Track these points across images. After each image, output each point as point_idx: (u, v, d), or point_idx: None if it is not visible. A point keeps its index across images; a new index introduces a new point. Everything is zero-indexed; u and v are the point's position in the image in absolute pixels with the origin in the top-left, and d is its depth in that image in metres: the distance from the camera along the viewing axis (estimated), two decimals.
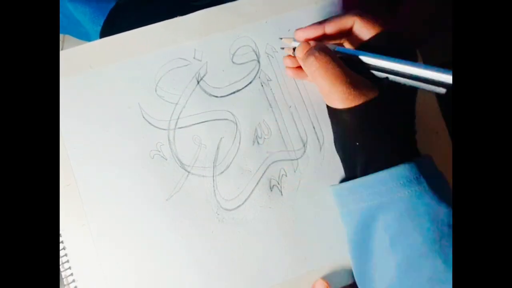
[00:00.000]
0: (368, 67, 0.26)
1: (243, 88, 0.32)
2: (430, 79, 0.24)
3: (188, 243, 0.30)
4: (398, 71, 0.25)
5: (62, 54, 0.31)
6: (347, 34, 0.28)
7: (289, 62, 0.30)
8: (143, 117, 0.31)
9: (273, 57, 0.33)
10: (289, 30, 0.33)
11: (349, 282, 0.30)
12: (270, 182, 0.31)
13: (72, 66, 0.31)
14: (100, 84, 0.31)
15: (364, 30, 0.27)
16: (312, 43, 0.27)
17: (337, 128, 0.28)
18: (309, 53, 0.26)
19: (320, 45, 0.27)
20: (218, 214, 0.30)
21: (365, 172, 0.26)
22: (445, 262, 0.23)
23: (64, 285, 0.29)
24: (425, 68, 0.24)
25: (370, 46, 0.26)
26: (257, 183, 0.31)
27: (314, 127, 0.32)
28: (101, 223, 0.29)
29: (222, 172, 0.31)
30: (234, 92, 0.32)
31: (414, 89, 0.26)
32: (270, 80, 0.32)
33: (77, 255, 0.29)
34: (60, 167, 0.30)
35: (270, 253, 0.30)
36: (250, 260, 0.30)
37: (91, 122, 0.31)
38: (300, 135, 0.32)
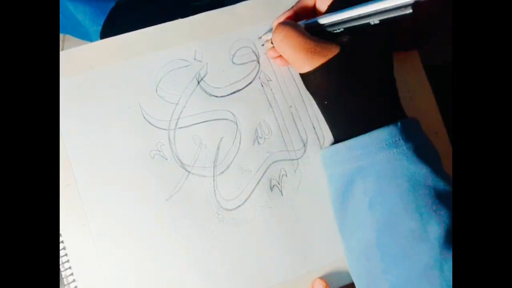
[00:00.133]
0: (328, 28, 0.27)
1: (243, 88, 0.32)
2: (388, 7, 0.23)
3: (188, 243, 0.30)
4: (354, 16, 0.25)
5: (62, 54, 0.31)
6: (313, 11, 0.30)
7: (273, 53, 0.32)
8: (144, 117, 0.31)
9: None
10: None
11: (349, 282, 0.30)
12: (270, 182, 0.31)
13: (72, 66, 0.31)
14: (100, 84, 0.31)
15: (324, 2, 0.29)
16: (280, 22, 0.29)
17: (313, 94, 0.29)
18: (275, 29, 0.28)
19: (284, 21, 0.29)
20: (218, 214, 0.30)
21: (346, 132, 0.27)
22: (421, 221, 0.23)
23: (64, 285, 0.29)
24: None
25: (331, 11, 0.28)
26: (258, 183, 0.31)
27: (314, 127, 0.32)
28: (101, 223, 0.29)
29: (222, 172, 0.31)
30: (234, 92, 0.32)
31: (381, 35, 0.26)
32: (270, 80, 0.32)
33: (77, 255, 0.29)
34: (60, 167, 0.30)
35: (270, 253, 0.30)
36: (250, 260, 0.30)
37: (91, 122, 0.31)
38: (300, 135, 0.32)
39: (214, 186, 0.30)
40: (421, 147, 0.25)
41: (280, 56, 0.31)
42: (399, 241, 0.24)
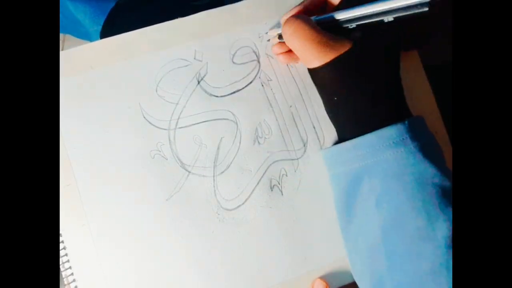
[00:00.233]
0: (343, 24, 0.27)
1: (243, 88, 0.32)
2: (405, 4, 0.23)
3: (188, 243, 0.30)
4: (370, 13, 0.25)
5: (63, 54, 0.31)
6: (324, 5, 0.30)
7: (278, 49, 0.31)
8: (144, 117, 0.31)
9: (273, 58, 0.33)
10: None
11: (349, 282, 0.30)
12: (270, 182, 0.31)
13: (72, 66, 0.31)
14: (100, 84, 0.31)
15: None
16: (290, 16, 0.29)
17: (321, 90, 0.29)
18: (285, 22, 0.28)
19: (295, 15, 0.28)
20: (219, 214, 0.30)
21: (352, 130, 0.27)
22: (428, 220, 0.23)
23: (64, 285, 0.29)
24: None
25: (343, 7, 0.27)
26: (258, 183, 0.31)
27: (314, 127, 0.32)
28: (101, 223, 0.29)
29: (222, 172, 0.31)
30: (234, 92, 0.32)
31: (392, 33, 0.26)
32: (271, 80, 0.32)
33: (77, 255, 0.29)
34: (60, 167, 0.30)
35: (270, 253, 0.30)
36: (250, 260, 0.30)
37: (91, 122, 0.31)
38: (300, 135, 0.32)
39: (214, 186, 0.30)
40: (427, 145, 0.25)
41: (285, 52, 0.31)
42: (405, 240, 0.24)
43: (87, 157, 0.30)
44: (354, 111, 0.27)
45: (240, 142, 0.31)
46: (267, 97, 0.32)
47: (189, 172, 0.30)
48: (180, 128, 0.31)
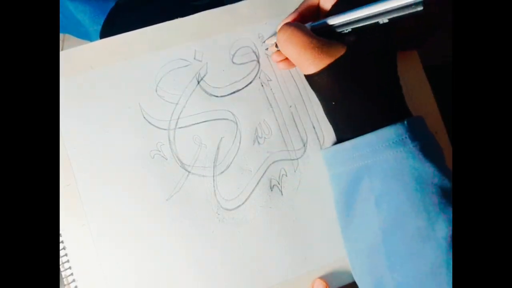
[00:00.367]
0: (338, 29, 0.27)
1: (243, 88, 0.32)
2: (399, 5, 0.23)
3: (188, 243, 0.30)
4: (364, 16, 0.25)
5: (62, 54, 0.31)
6: (317, 11, 0.30)
7: (277, 57, 0.31)
8: (144, 117, 0.31)
9: None
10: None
11: (349, 282, 0.30)
12: (270, 182, 0.31)
13: (72, 66, 0.31)
14: (100, 84, 0.31)
15: (327, 1, 0.28)
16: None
17: (318, 95, 0.29)
18: (279, 30, 0.28)
19: (289, 22, 0.28)
20: (218, 214, 0.30)
21: (352, 132, 0.27)
22: (428, 220, 0.23)
23: (64, 285, 0.29)
24: None
25: (336, 12, 0.27)
26: (258, 183, 0.31)
27: (314, 127, 0.32)
28: (101, 223, 0.29)
29: (222, 172, 0.31)
30: (234, 92, 0.32)
31: (386, 34, 0.26)
32: (270, 80, 0.32)
33: (77, 255, 0.29)
34: (60, 167, 0.30)
35: (270, 253, 0.30)
36: (250, 260, 0.30)
37: (91, 122, 0.31)
38: (300, 135, 0.32)
39: (214, 186, 0.30)
40: (427, 145, 0.25)
41: (284, 60, 0.31)
42: (406, 240, 0.24)
43: (87, 157, 0.30)
44: (352, 114, 0.27)
45: (240, 142, 0.31)
46: (267, 97, 0.32)
47: (189, 172, 0.30)
48: (180, 128, 0.31)
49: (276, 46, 0.31)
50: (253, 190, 0.31)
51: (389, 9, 0.24)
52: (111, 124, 0.31)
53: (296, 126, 0.32)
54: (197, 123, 0.31)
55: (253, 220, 0.30)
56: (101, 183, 0.30)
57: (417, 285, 0.23)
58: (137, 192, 0.30)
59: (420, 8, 0.22)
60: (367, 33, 0.26)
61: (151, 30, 0.32)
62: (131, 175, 0.30)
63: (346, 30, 0.26)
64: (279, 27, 0.30)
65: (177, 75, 0.32)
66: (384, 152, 0.25)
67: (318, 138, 0.32)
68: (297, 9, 0.30)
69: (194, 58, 0.32)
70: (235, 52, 0.32)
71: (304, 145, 0.32)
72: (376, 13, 0.24)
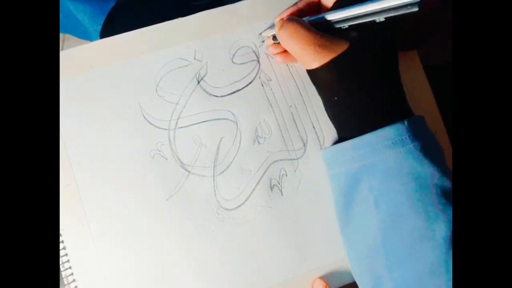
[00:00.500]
0: (336, 24, 0.27)
1: (243, 87, 0.32)
2: (395, 4, 0.23)
3: (188, 243, 0.30)
4: (361, 13, 0.25)
5: (62, 54, 0.31)
6: (317, 6, 0.30)
7: (273, 49, 0.32)
8: (144, 117, 0.31)
9: (273, 58, 0.33)
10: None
11: (349, 282, 0.30)
12: (270, 181, 0.31)
13: (72, 66, 0.31)
14: (100, 84, 0.31)
15: None
16: (284, 18, 0.29)
17: (320, 90, 0.29)
18: (280, 25, 0.28)
19: (290, 17, 0.28)
20: (218, 214, 0.30)
21: (352, 130, 0.27)
22: (427, 220, 0.23)
23: (64, 285, 0.29)
24: None
25: (336, 8, 0.28)
26: (258, 183, 0.31)
27: (314, 127, 0.32)
28: (101, 223, 0.29)
29: (222, 172, 0.31)
30: (234, 92, 0.32)
31: (387, 32, 0.26)
32: (270, 80, 0.32)
33: (77, 255, 0.29)
34: (60, 167, 0.30)
35: (270, 253, 0.30)
36: (250, 260, 0.30)
37: (91, 122, 0.31)
38: (300, 135, 0.32)
39: (214, 186, 0.30)
40: (427, 145, 0.25)
41: (282, 52, 0.31)
42: (404, 240, 0.24)
43: (87, 157, 0.30)
44: (354, 111, 0.27)
45: (240, 142, 0.31)
46: (267, 97, 0.32)
47: (189, 172, 0.30)
48: (180, 128, 0.31)
49: (274, 39, 0.31)
50: (253, 190, 0.31)
51: (385, 8, 0.24)
52: (111, 124, 0.31)
53: (296, 126, 0.32)
54: (197, 123, 0.31)
55: (253, 220, 0.30)
56: (101, 183, 0.30)
57: (416, 285, 0.23)
58: (137, 192, 0.30)
59: (415, 9, 0.23)
60: (368, 30, 0.26)
61: (151, 30, 0.32)
62: (131, 175, 0.30)
63: (344, 26, 0.26)
64: (276, 19, 0.30)
65: (177, 75, 0.32)
66: (383, 152, 0.25)
67: (318, 138, 0.32)
68: (296, 3, 0.30)
69: (194, 58, 0.32)
70: (235, 52, 0.32)
71: (304, 145, 0.32)
72: (373, 11, 0.24)
